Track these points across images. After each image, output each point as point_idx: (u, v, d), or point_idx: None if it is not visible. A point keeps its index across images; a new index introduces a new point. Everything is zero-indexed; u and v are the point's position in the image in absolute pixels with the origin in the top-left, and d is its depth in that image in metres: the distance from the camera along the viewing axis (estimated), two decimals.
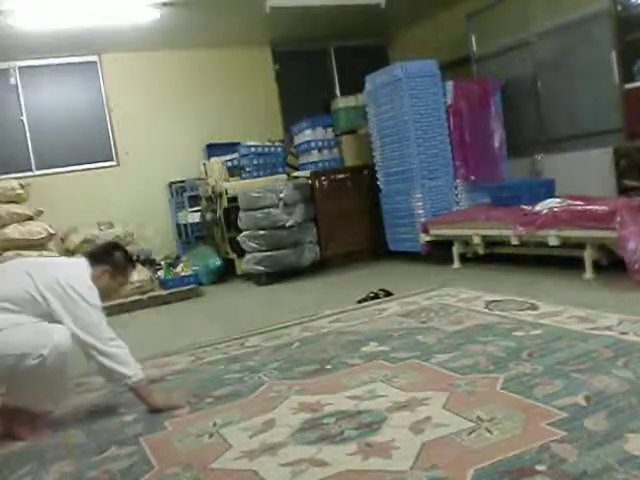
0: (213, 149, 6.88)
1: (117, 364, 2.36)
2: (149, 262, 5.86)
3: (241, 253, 5.56)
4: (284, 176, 6.08)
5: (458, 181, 5.29)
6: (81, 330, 2.34)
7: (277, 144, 6.35)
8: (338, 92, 7.73)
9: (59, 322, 2.33)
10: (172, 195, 6.93)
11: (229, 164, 6.29)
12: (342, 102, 6.53)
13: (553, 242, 3.92)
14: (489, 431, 1.83)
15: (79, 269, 2.51)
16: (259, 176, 6.04)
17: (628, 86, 4.62)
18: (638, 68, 4.57)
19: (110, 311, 3.85)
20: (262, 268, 5.29)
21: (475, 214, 4.74)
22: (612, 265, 3.73)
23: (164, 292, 5.26)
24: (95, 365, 2.39)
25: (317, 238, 5.52)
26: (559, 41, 5.20)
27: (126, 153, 6.82)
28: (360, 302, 3.94)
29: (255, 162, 6.10)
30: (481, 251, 4.63)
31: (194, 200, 6.72)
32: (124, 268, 2.67)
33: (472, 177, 5.30)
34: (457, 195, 5.29)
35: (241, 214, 5.47)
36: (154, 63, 6.94)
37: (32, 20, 5.16)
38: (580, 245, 3.84)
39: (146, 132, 6.85)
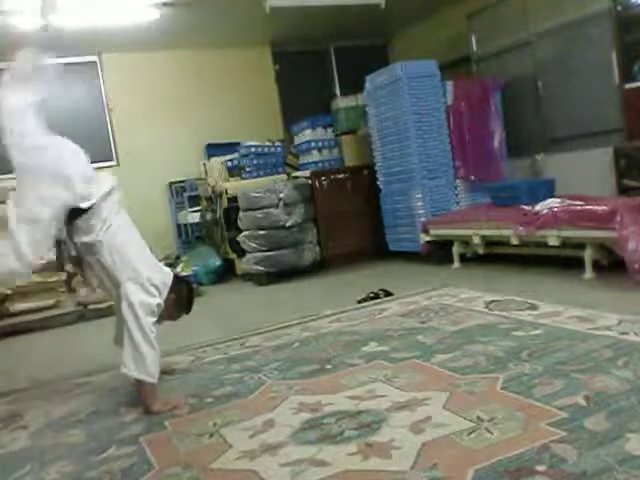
0: (213, 149, 6.88)
1: (151, 357, 2.39)
2: None
3: (241, 253, 5.56)
4: (284, 176, 6.08)
5: (458, 181, 5.29)
6: (143, 306, 2.41)
7: (277, 144, 6.35)
8: (338, 92, 7.73)
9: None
10: (172, 195, 6.94)
11: (229, 164, 6.29)
12: (342, 102, 6.53)
13: (553, 242, 3.92)
14: (489, 431, 1.83)
15: (168, 275, 2.68)
16: (259, 176, 6.04)
17: (628, 86, 4.62)
18: (638, 68, 4.57)
19: (109, 311, 3.87)
20: (262, 268, 5.29)
21: (475, 214, 4.74)
22: (612, 265, 3.73)
23: None
24: (127, 343, 2.40)
25: (317, 238, 5.52)
26: (559, 41, 5.20)
27: (126, 153, 6.82)
28: (360, 302, 3.94)
29: (255, 162, 6.10)
30: (481, 251, 4.63)
31: (194, 200, 6.73)
32: (182, 305, 2.76)
33: (472, 177, 5.30)
34: (457, 195, 5.29)
35: (241, 214, 5.47)
36: (154, 63, 6.94)
37: (32, 20, 5.15)
38: (580, 245, 3.84)
39: (146, 132, 6.86)
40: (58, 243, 2.64)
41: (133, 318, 2.40)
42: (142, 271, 2.49)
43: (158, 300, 2.50)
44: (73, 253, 2.59)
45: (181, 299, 2.73)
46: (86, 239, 2.53)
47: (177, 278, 2.79)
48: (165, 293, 2.57)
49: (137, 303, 2.41)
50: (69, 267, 4.66)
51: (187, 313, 2.83)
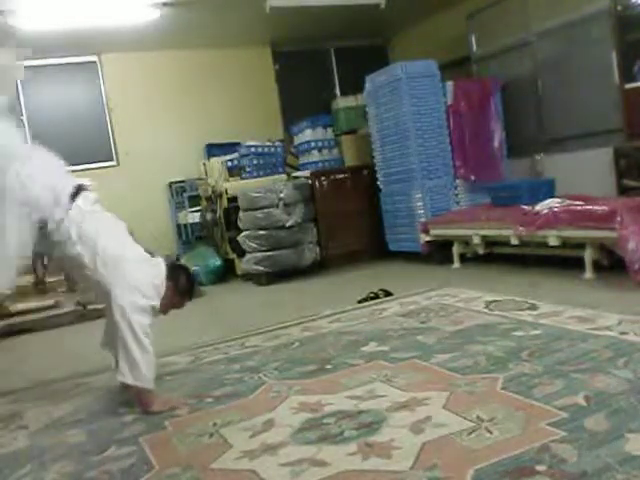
0: (213, 149, 6.89)
1: (145, 362, 2.36)
2: None
3: (241, 253, 5.56)
4: (284, 176, 6.09)
5: (458, 181, 5.29)
6: (133, 308, 2.35)
7: (277, 144, 6.36)
8: (338, 92, 7.74)
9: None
10: (172, 195, 6.94)
11: (229, 164, 6.29)
12: (342, 102, 6.54)
13: (553, 242, 3.91)
14: (489, 431, 1.83)
15: (159, 268, 2.58)
16: (259, 176, 6.04)
17: (628, 86, 4.62)
18: (638, 68, 4.57)
19: None
20: (262, 268, 5.29)
21: (475, 214, 4.74)
22: (612, 265, 3.73)
23: None
24: (121, 350, 2.36)
25: (317, 238, 5.52)
26: (559, 41, 5.20)
27: (126, 153, 6.82)
28: (360, 302, 3.94)
29: (255, 162, 6.10)
30: (481, 251, 4.63)
31: (194, 200, 6.73)
32: (183, 293, 2.71)
33: (472, 177, 5.30)
34: (457, 195, 5.29)
35: (241, 214, 5.47)
36: (154, 63, 6.94)
37: (32, 20, 5.16)
38: (580, 245, 3.83)
39: (146, 132, 6.86)
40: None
41: (125, 324, 2.34)
42: (132, 273, 2.42)
43: (152, 302, 2.44)
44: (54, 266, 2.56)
45: (181, 285, 2.67)
46: (66, 252, 2.44)
47: (173, 266, 2.76)
48: (162, 288, 2.51)
49: (128, 307, 2.34)
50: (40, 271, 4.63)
51: (190, 299, 2.81)
